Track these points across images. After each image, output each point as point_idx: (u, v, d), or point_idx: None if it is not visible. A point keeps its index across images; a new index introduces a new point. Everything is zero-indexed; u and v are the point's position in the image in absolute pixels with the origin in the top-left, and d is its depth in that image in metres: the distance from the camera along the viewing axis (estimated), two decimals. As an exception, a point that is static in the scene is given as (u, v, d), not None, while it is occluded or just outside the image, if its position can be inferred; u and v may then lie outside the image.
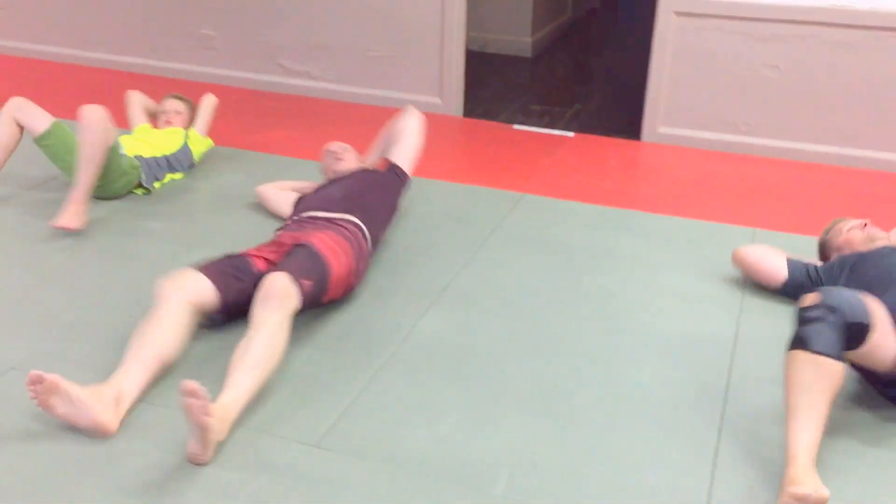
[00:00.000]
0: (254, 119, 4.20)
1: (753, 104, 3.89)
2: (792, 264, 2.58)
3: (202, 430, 1.78)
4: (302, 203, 2.79)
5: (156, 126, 3.53)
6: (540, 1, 5.74)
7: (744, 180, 3.64)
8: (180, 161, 3.38)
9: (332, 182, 2.89)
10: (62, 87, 4.59)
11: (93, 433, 1.90)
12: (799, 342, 1.84)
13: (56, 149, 3.10)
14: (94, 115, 2.94)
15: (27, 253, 2.79)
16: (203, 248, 2.85)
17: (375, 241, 2.71)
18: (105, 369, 2.18)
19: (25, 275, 2.65)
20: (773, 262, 2.61)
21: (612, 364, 2.29)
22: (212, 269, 2.28)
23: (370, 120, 4.30)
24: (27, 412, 2.01)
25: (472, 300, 2.58)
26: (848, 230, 2.60)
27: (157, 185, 3.29)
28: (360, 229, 2.60)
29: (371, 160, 3.15)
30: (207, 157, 3.60)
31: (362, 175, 2.91)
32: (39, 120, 3.07)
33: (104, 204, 3.13)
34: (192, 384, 1.73)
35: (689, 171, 3.75)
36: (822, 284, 2.46)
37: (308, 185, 3.11)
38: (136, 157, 3.22)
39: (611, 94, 4.98)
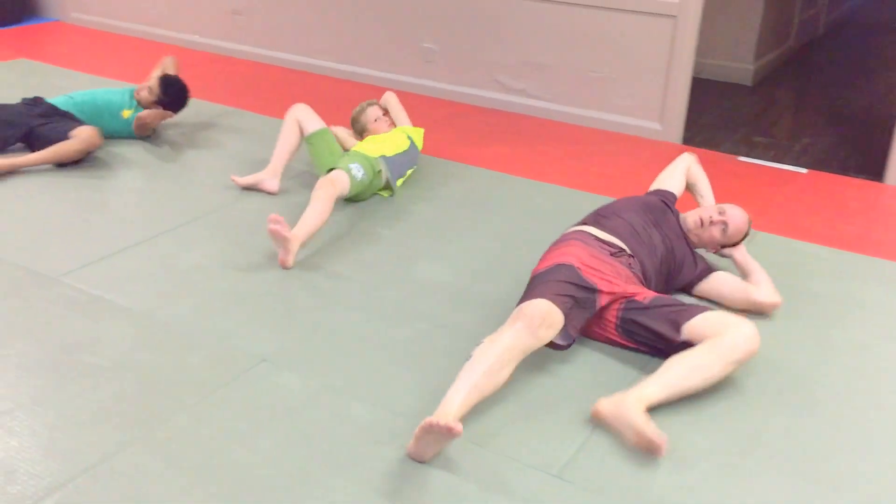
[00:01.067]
0: (469, 133, 4.24)
1: None
2: None
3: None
4: (637, 243, 2.57)
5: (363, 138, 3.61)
6: (766, 26, 5.46)
7: None
8: (411, 157, 3.49)
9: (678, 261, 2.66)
10: (290, 91, 4.84)
11: None
12: None
13: (320, 150, 3.38)
14: (342, 182, 3.08)
15: (272, 249, 2.92)
16: (427, 258, 2.89)
17: None
18: (338, 366, 2.24)
19: (271, 271, 2.78)
20: None
21: (875, 430, 2.09)
22: (559, 300, 2.21)
23: (582, 140, 4.24)
24: (279, 402, 2.10)
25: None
26: None
27: (399, 182, 3.41)
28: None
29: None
30: (427, 167, 3.67)
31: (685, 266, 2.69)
32: (313, 122, 3.42)
33: (345, 208, 3.25)
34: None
35: (942, 221, 3.41)
36: None
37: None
38: (380, 157, 3.32)
39: (842, 130, 4.63)
